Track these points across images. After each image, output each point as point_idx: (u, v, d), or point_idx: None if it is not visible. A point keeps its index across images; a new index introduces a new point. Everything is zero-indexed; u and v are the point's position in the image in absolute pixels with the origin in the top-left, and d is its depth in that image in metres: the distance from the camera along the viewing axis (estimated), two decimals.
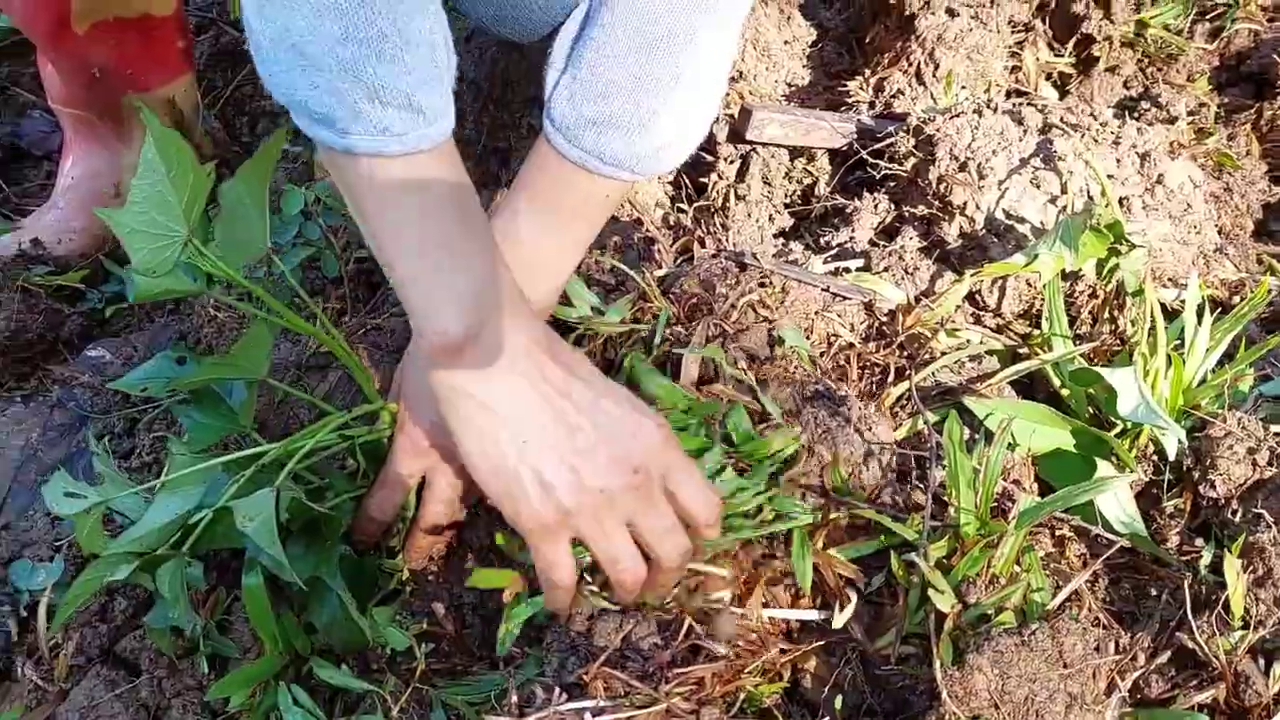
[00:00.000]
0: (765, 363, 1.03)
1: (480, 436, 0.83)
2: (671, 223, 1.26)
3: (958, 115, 1.17)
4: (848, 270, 1.12)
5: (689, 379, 1.02)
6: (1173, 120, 1.35)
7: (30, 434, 1.20)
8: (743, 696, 0.85)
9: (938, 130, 1.17)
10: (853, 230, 1.20)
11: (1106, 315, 1.12)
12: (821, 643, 0.89)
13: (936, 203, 1.15)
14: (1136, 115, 1.37)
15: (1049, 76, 1.50)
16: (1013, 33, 1.46)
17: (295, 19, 0.71)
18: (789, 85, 1.50)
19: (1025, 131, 1.16)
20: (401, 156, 0.76)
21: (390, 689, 0.93)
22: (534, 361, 0.83)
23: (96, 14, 1.32)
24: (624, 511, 0.83)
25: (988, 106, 1.19)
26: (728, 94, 1.37)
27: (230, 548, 1.00)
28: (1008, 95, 1.44)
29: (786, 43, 1.53)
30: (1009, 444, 0.91)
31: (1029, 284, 1.11)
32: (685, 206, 1.32)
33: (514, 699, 0.80)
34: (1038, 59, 1.47)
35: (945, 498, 0.92)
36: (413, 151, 0.76)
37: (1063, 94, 1.50)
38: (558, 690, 0.79)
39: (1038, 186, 1.12)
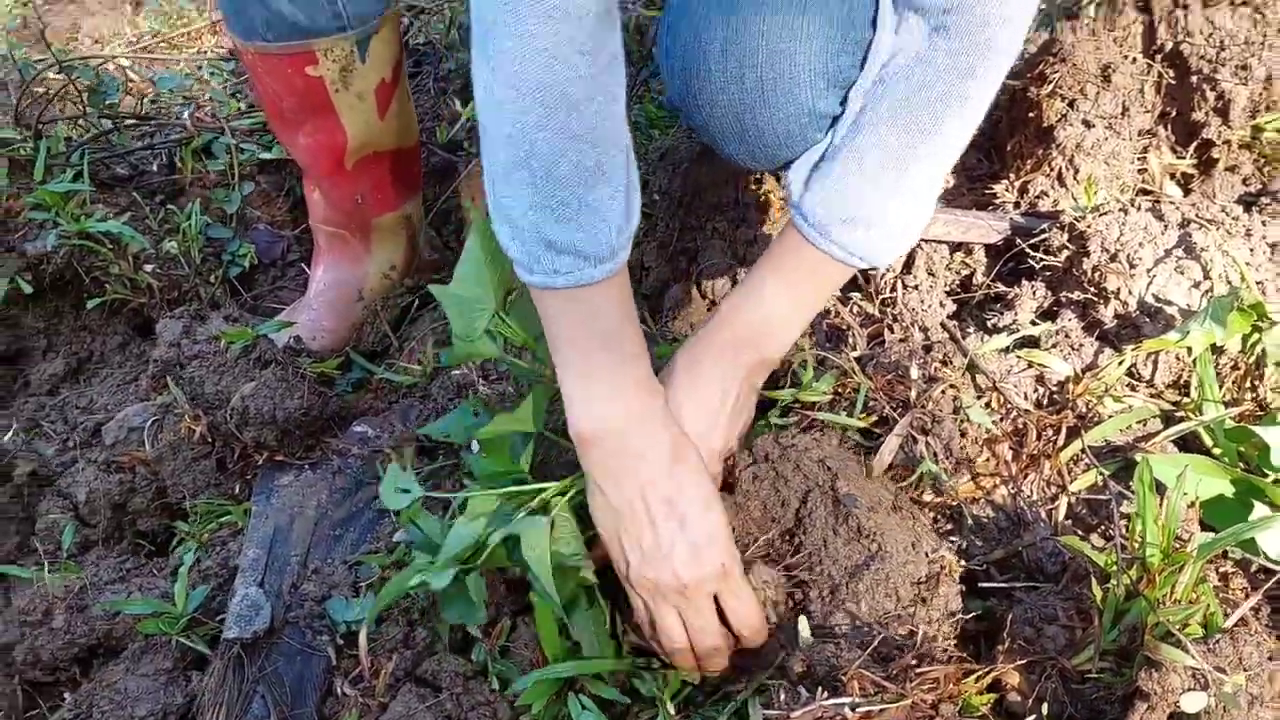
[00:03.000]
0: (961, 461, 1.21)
1: (601, 518, 1.10)
2: (856, 311, 1.46)
3: (1106, 213, 1.36)
4: (1020, 347, 1.31)
5: (882, 466, 1.21)
6: None
7: (320, 495, 1.43)
8: (960, 704, 1.02)
9: (1089, 226, 1.36)
10: (1015, 314, 1.39)
11: (1247, 385, 1.28)
12: (1023, 661, 1.05)
13: (1092, 289, 1.33)
14: (1259, 209, 1.53)
15: (1172, 176, 1.68)
16: (1138, 137, 1.65)
17: (503, 189, 0.98)
18: None
19: (1166, 226, 1.34)
20: (565, 290, 1.01)
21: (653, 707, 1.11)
22: (648, 471, 1.06)
23: (362, 151, 1.59)
24: (671, 603, 1.07)
25: (1132, 205, 1.38)
26: None
27: (514, 581, 1.22)
28: (1136, 194, 1.62)
29: None
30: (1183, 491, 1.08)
31: (1177, 358, 1.28)
32: (861, 298, 1.53)
33: (782, 696, 0.98)
34: (1161, 161, 1.65)
35: (1123, 536, 1.09)
36: (575, 285, 1.01)
37: (1186, 191, 1.68)
38: (820, 689, 0.97)
39: (1181, 274, 1.30)
